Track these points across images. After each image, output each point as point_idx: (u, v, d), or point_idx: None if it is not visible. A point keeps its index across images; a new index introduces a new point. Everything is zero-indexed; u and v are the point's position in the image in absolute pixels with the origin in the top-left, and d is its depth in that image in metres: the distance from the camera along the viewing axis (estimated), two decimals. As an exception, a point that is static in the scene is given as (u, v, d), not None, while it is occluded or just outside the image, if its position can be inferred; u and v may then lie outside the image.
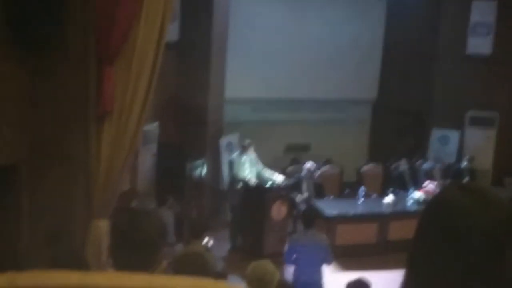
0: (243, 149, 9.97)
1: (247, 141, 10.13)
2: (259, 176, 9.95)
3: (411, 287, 1.49)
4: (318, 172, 11.03)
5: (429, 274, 1.44)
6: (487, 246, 1.39)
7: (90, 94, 7.00)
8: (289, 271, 7.82)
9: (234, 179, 9.92)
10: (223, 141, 11.02)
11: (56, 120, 7.17)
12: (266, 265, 5.07)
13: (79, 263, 4.53)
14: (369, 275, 8.69)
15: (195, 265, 3.93)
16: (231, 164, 10.09)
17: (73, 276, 2.41)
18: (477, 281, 1.40)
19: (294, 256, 7.44)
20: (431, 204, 1.51)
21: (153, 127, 9.52)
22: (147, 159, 9.46)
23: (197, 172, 9.96)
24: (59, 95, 7.14)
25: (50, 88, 7.14)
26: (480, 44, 13.01)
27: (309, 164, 10.82)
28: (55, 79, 7.10)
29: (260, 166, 10.11)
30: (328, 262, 7.70)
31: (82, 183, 7.29)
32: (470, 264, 1.39)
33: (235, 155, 10.12)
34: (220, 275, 5.31)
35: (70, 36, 7.00)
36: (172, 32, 10.27)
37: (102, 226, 7.14)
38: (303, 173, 10.75)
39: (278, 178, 9.98)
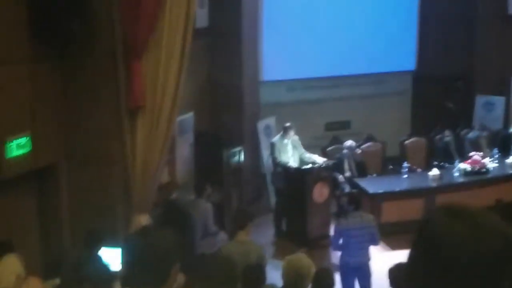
0: (284, 132, 9.79)
1: (287, 124, 9.95)
2: (301, 159, 9.79)
3: None
4: (359, 150, 10.76)
5: None
6: (483, 277, 1.29)
7: (121, 90, 6.97)
8: (336, 256, 7.69)
9: (276, 163, 9.77)
10: (261, 124, 10.87)
11: (90, 118, 7.18)
12: (302, 259, 4.96)
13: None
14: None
15: (222, 270, 3.84)
16: (272, 147, 9.93)
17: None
18: None
19: (341, 241, 7.27)
20: (420, 236, 1.38)
21: (188, 117, 9.43)
22: (184, 150, 9.38)
23: (235, 159, 9.85)
24: (90, 92, 7.14)
25: (81, 86, 7.15)
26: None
27: (349, 142, 10.57)
28: (85, 76, 7.11)
29: (301, 149, 9.94)
30: (376, 243, 7.51)
31: (119, 179, 7.30)
32: (458, 280, 1.30)
33: (276, 138, 9.96)
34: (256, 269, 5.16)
35: (97, 32, 6.96)
36: (202, 18, 10.15)
37: (143, 221, 7.13)
38: (344, 152, 10.51)
39: (319, 159, 9.79)
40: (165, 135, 7.28)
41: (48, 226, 7.35)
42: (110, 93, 7.06)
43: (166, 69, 7.05)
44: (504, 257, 1.29)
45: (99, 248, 6.16)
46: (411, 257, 1.39)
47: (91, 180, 7.32)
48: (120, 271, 5.61)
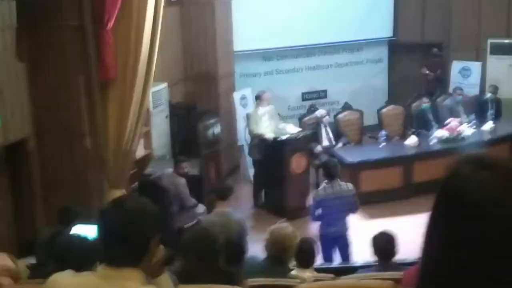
0: (259, 100, 9.64)
1: (261, 91, 9.80)
2: (277, 129, 9.65)
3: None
4: (329, 118, 10.53)
5: (448, 260, 1.24)
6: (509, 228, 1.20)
7: (91, 63, 6.78)
8: (315, 226, 7.62)
9: (253, 134, 9.63)
10: (237, 95, 10.71)
11: (59, 92, 7.00)
12: (286, 229, 4.86)
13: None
14: (396, 221, 8.52)
15: (203, 242, 3.74)
16: (248, 118, 9.78)
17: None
18: (504, 262, 1.20)
19: (320, 211, 7.20)
20: (445, 188, 1.28)
21: (162, 88, 9.23)
22: (160, 122, 9.20)
23: (211, 130, 9.67)
24: (59, 66, 6.94)
25: (50, 61, 6.95)
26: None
27: (320, 112, 10.41)
28: (54, 51, 6.91)
29: (278, 119, 9.79)
30: (354, 211, 7.46)
31: (92, 153, 7.13)
32: (496, 242, 1.20)
33: (252, 109, 9.81)
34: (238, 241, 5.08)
35: (64, 5, 6.77)
36: (174, -11, 9.93)
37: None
38: (320, 121, 10.34)
39: (296, 130, 9.66)
40: (138, 107, 7.09)
41: (21, 204, 7.17)
42: (80, 67, 6.87)
43: (137, 39, 6.83)
44: None
45: (74, 225, 6.00)
46: (435, 213, 1.29)
47: (63, 155, 7.16)
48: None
